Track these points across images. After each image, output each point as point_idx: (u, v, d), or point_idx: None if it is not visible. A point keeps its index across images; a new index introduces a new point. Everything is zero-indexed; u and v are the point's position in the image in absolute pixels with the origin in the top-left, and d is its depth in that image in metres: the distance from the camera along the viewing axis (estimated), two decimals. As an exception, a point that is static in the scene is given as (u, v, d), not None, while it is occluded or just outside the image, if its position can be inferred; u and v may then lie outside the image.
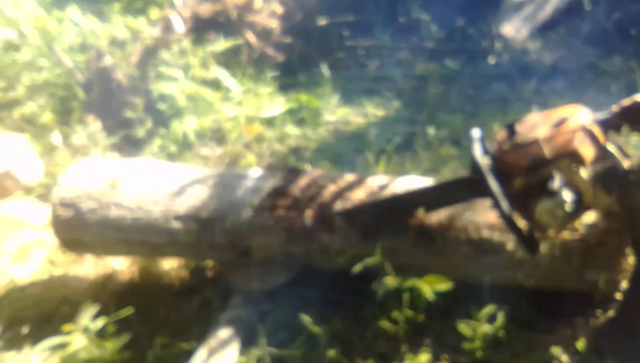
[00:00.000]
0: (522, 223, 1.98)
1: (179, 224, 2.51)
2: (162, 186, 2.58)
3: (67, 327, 2.33)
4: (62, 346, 2.32)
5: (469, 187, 2.07)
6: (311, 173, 2.62)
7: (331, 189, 2.48)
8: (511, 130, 1.98)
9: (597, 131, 1.90)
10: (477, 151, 1.98)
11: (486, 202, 2.04)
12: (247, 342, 2.33)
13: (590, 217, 2.19)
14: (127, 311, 2.46)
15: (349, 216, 2.39)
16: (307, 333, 2.33)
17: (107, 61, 3.90)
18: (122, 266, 3.01)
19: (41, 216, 3.38)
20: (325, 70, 4.26)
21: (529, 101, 3.77)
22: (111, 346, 2.32)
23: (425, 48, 4.78)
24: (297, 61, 4.52)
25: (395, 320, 2.33)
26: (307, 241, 2.42)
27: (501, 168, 1.98)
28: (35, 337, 2.50)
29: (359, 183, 2.49)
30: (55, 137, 3.84)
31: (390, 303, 2.35)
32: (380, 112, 4.27)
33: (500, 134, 2.02)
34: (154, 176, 2.65)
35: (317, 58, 4.44)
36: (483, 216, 2.27)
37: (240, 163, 3.64)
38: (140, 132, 3.81)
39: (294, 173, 2.62)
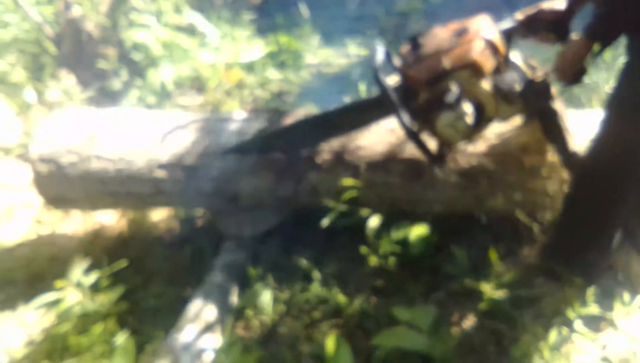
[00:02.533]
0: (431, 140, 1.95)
1: (163, 173, 2.45)
2: (144, 135, 2.51)
3: (59, 283, 2.30)
4: (56, 302, 2.30)
5: (380, 104, 1.99)
6: (295, 112, 2.56)
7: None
8: (415, 43, 1.90)
9: (499, 41, 1.85)
10: (378, 66, 1.90)
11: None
12: (242, 285, 2.32)
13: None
14: (120, 264, 2.43)
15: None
16: (301, 273, 2.32)
17: (76, 11, 3.73)
18: (110, 220, 2.97)
19: (23, 176, 3.30)
20: (304, 10, 4.13)
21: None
22: (106, 299, 2.30)
23: (406, -18, 4.64)
24: (274, 2, 4.37)
25: (389, 255, 2.33)
26: (296, 183, 2.38)
27: (407, 82, 1.93)
28: (28, 296, 2.47)
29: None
30: (29, 94, 3.71)
31: (383, 241, 2.35)
32: (362, 52, 4.18)
33: (405, 48, 1.94)
34: (134, 125, 2.57)
35: (294, -2, 4.30)
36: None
37: (222, 110, 3.56)
38: (116, 84, 3.70)
39: (278, 113, 2.55)
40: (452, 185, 2.25)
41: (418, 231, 2.27)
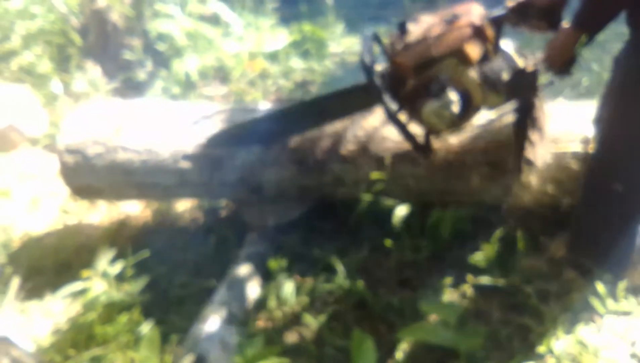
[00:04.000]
0: (417, 129, 1.92)
1: (188, 164, 2.45)
2: (169, 126, 2.51)
3: (85, 273, 2.32)
4: (83, 292, 2.32)
5: (367, 91, 1.93)
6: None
7: (343, 118, 2.39)
8: (403, 30, 1.85)
9: (488, 29, 1.79)
10: (365, 53, 1.86)
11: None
12: (266, 276, 2.32)
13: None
14: (144, 254, 2.44)
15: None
16: (325, 265, 2.31)
17: (101, 2, 3.75)
18: (135, 211, 2.99)
19: (50, 166, 3.34)
20: (328, -3, 4.08)
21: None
22: (131, 289, 2.32)
23: (432, -32, 4.55)
24: (298, -10, 4.33)
25: (416, 248, 2.30)
26: (320, 173, 2.36)
27: (394, 69, 1.88)
28: (55, 285, 2.49)
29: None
30: (56, 85, 3.75)
31: (410, 233, 2.32)
32: (387, 40, 4.11)
33: (393, 34, 1.89)
34: (159, 116, 2.57)
35: (318, -15, 4.25)
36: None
37: (246, 100, 3.55)
38: (141, 74, 3.72)
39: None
40: (479, 176, 2.20)
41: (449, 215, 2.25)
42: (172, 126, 2.51)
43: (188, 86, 3.66)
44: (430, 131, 1.95)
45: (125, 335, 2.15)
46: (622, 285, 1.98)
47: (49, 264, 2.73)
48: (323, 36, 3.92)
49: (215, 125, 2.47)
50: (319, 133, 2.36)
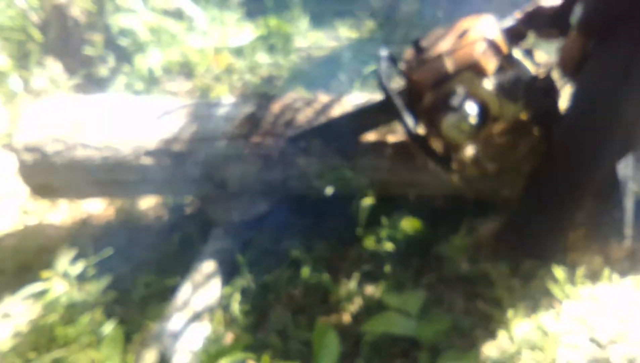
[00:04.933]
0: (437, 143, 1.96)
1: (150, 160, 2.41)
2: (130, 122, 2.46)
3: (45, 274, 2.27)
4: (43, 293, 2.27)
5: (385, 109, 2.00)
6: (285, 97, 2.51)
7: (307, 112, 2.39)
8: (418, 47, 1.92)
9: (500, 40, 1.86)
10: (382, 70, 1.93)
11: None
12: (231, 272, 2.30)
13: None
14: (106, 253, 2.40)
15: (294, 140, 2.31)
16: (290, 259, 2.30)
17: (61, -3, 3.66)
18: (98, 209, 2.93)
19: (9, 166, 3.25)
20: (293, -9, 4.06)
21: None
22: (93, 288, 2.28)
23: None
24: (263, -16, 4.30)
25: (380, 240, 2.31)
26: (284, 168, 2.35)
27: (411, 86, 1.95)
28: (15, 287, 2.43)
29: (334, 103, 2.40)
30: (15, 82, 3.64)
31: (374, 225, 2.33)
32: (353, 34, 4.12)
33: (409, 52, 1.97)
34: (120, 112, 2.52)
35: (284, -21, 4.22)
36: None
37: (211, 96, 3.51)
38: (103, 70, 3.64)
39: (267, 98, 2.51)
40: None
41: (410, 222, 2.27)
42: (134, 122, 2.46)
43: (151, 81, 3.60)
44: (449, 143, 1.96)
45: (87, 336, 2.11)
46: (580, 271, 2.02)
47: (8, 266, 2.66)
48: (289, 31, 3.90)
49: (177, 120, 2.44)
50: (283, 128, 2.35)
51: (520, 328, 1.92)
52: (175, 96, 3.51)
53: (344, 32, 4.12)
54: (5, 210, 3.03)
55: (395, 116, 1.93)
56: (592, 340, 1.89)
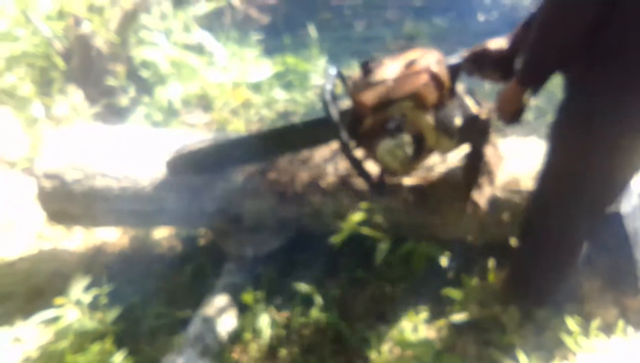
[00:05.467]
0: (374, 167, 1.98)
1: (167, 192, 2.45)
2: (149, 154, 2.51)
3: (58, 300, 2.29)
4: (55, 319, 2.28)
5: (325, 126, 1.99)
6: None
7: (324, 151, 2.43)
8: (366, 69, 1.93)
9: (444, 75, 1.89)
10: (327, 88, 1.94)
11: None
12: (242, 307, 2.30)
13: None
14: (119, 282, 2.42)
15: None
16: (301, 296, 2.31)
17: (86, 28, 3.75)
18: (112, 237, 2.96)
19: (27, 190, 3.30)
20: (312, 31, 4.15)
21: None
22: (104, 317, 2.29)
23: (413, 6, 4.68)
24: (282, 23, 4.40)
25: (392, 281, 2.31)
26: (299, 205, 2.38)
27: (355, 107, 1.96)
28: (27, 312, 2.46)
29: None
30: (37, 109, 3.72)
31: (386, 266, 2.34)
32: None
33: (356, 73, 1.98)
34: (139, 143, 2.57)
35: (302, 19, 4.32)
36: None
37: (228, 129, 3.56)
38: (123, 100, 3.71)
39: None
40: (455, 211, 2.24)
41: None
42: (153, 154, 2.51)
43: (170, 113, 3.67)
44: (385, 170, 1.99)
45: (96, 365, 2.11)
46: (594, 323, 2.01)
47: (21, 290, 2.68)
48: (306, 68, 3.97)
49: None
50: (299, 165, 2.39)
51: (533, 377, 1.91)
52: (193, 129, 3.57)
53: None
54: (21, 234, 3.06)
55: (335, 134, 1.94)
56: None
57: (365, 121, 1.94)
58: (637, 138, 1.62)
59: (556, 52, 1.60)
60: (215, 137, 2.61)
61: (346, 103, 2.01)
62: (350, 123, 1.95)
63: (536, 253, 1.97)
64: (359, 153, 1.98)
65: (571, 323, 2.00)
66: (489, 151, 2.01)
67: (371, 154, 1.97)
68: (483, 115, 1.90)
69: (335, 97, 1.95)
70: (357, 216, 2.24)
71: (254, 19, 4.36)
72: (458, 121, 1.90)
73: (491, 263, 2.22)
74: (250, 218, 2.44)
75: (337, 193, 2.33)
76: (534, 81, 1.70)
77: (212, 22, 4.16)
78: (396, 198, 2.27)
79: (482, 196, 2.06)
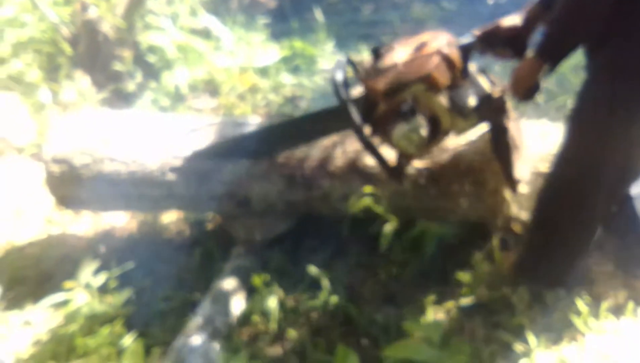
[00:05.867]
0: (391, 153, 1.96)
1: (175, 177, 2.44)
2: (157, 138, 2.51)
3: (67, 284, 2.30)
4: (65, 303, 2.30)
5: (339, 115, 1.96)
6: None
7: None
8: (377, 55, 1.91)
9: (455, 56, 1.86)
10: (338, 76, 1.90)
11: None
12: (250, 290, 2.31)
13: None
14: (128, 266, 2.43)
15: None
16: (309, 279, 2.31)
17: (93, 13, 3.74)
18: (121, 222, 2.97)
19: (36, 175, 3.32)
20: (319, 15, 4.12)
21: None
22: (114, 301, 2.30)
23: (421, -11, 4.64)
24: (289, 7, 4.37)
25: (401, 264, 2.31)
26: (308, 188, 2.37)
27: (368, 94, 1.94)
28: (37, 296, 2.47)
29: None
30: (44, 94, 3.73)
31: (395, 249, 2.33)
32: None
33: (368, 59, 1.95)
34: (147, 128, 2.57)
35: (309, 3, 4.30)
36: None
37: (235, 114, 3.55)
38: (130, 86, 3.71)
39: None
40: (466, 194, 2.23)
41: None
42: (161, 138, 2.51)
43: (177, 98, 3.66)
44: (402, 154, 1.98)
45: (106, 348, 2.13)
46: (604, 305, 2.01)
47: (31, 274, 2.70)
48: (313, 53, 3.95)
49: (202, 138, 2.47)
50: (307, 149, 2.38)
51: (542, 359, 1.90)
52: (200, 113, 3.56)
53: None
54: (30, 219, 3.08)
55: (350, 122, 1.91)
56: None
57: (378, 107, 1.92)
58: None
59: (584, 24, 1.57)
60: (223, 121, 2.61)
61: (358, 90, 1.99)
62: (363, 110, 1.93)
63: (550, 235, 1.95)
64: (375, 140, 1.97)
65: (581, 304, 1.99)
66: (511, 126, 1.99)
67: (387, 140, 1.95)
68: (497, 93, 1.88)
69: (347, 85, 1.93)
70: (364, 201, 2.23)
71: (260, 3, 4.34)
72: (472, 101, 1.87)
73: (495, 242, 2.21)
74: (258, 201, 2.43)
75: (345, 176, 2.32)
76: (556, 54, 1.67)
77: (219, 6, 4.14)
78: (406, 181, 2.26)
79: (516, 171, 2.04)
